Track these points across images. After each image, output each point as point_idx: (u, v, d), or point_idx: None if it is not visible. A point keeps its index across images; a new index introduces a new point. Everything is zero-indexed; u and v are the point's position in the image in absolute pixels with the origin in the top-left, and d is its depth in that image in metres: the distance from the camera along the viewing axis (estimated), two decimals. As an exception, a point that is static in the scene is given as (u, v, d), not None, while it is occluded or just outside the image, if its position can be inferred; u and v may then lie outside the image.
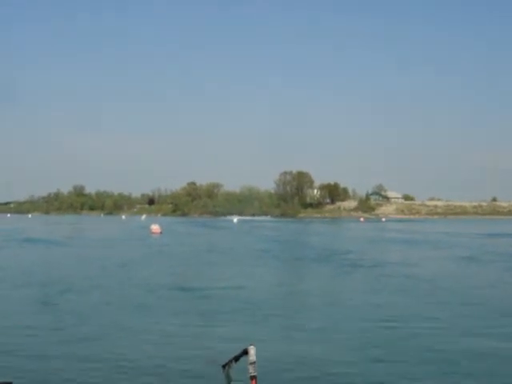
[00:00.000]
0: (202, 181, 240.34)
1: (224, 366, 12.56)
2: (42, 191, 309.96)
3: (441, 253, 47.00)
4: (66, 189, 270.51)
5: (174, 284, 26.49)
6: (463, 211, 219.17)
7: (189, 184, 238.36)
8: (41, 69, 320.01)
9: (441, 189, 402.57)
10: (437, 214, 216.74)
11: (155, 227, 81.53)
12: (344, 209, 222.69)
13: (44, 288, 25.07)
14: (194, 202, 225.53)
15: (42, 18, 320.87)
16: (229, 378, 12.01)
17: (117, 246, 55.35)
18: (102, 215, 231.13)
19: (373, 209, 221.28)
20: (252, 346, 10.25)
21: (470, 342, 15.50)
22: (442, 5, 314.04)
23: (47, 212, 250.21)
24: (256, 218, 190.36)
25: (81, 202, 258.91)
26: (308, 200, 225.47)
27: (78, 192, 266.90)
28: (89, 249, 51.15)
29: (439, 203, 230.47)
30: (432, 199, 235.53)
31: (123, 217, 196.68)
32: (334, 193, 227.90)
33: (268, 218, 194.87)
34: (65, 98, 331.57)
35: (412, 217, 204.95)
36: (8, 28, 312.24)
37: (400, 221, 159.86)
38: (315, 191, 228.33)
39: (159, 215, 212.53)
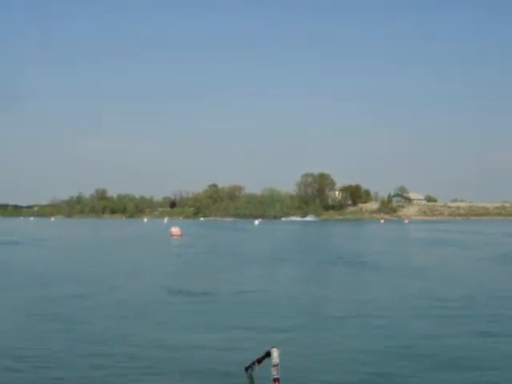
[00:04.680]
0: (224, 183, 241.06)
1: (247, 369, 12.45)
2: (64, 194, 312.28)
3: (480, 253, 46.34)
4: (88, 192, 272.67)
5: (193, 287, 26.35)
6: (486, 212, 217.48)
7: (210, 186, 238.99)
8: (47, 70, 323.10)
9: (463, 190, 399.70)
10: (459, 215, 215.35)
11: (175, 230, 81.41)
12: (366, 211, 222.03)
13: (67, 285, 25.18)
14: (216, 205, 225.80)
15: (43, 18, 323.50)
16: (252, 381, 11.88)
17: (137, 249, 55.48)
18: (123, 218, 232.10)
19: (395, 210, 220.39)
20: (275, 349, 10.14)
21: None
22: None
23: (69, 215, 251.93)
24: (282, 219, 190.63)
25: (103, 206, 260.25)
26: (329, 202, 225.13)
27: (100, 195, 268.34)
28: (107, 253, 51.34)
29: (462, 204, 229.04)
30: (455, 200, 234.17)
31: (145, 220, 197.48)
32: (355, 194, 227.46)
33: (299, 218, 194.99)
34: (86, 101, 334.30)
35: (434, 218, 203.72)
36: (8, 28, 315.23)
37: (423, 222, 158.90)
38: (337, 193, 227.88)
39: (181, 218, 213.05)
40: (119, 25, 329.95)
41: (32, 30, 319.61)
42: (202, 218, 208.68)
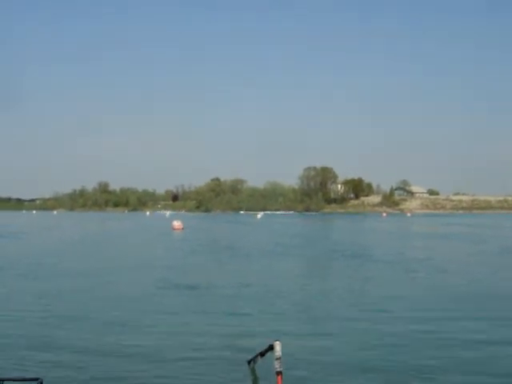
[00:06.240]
0: (226, 177, 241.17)
1: (249, 362, 12.44)
2: (66, 188, 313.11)
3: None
4: (90, 186, 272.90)
5: (194, 281, 26.35)
6: (488, 206, 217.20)
7: (212, 180, 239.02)
8: (51, 69, 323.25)
9: (466, 183, 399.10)
10: (462, 208, 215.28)
11: (177, 223, 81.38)
12: (368, 204, 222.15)
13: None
14: (218, 198, 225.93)
15: (43, 19, 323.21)
16: (254, 374, 11.87)
17: (139, 242, 55.57)
18: (126, 211, 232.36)
19: (397, 204, 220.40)
20: (278, 342, 10.12)
21: None
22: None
23: (72, 209, 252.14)
24: (279, 212, 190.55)
25: (105, 199, 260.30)
26: (332, 195, 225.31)
27: (103, 189, 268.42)
28: (111, 247, 51.40)
29: (464, 198, 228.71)
30: (457, 194, 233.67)
31: (147, 213, 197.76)
32: (357, 188, 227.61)
33: (292, 213, 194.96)
34: (84, 96, 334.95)
35: (437, 212, 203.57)
36: (8, 28, 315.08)
37: (425, 216, 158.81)
38: (339, 186, 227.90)
39: (183, 211, 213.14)
40: (119, 25, 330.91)
41: (32, 29, 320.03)
42: (205, 212, 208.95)
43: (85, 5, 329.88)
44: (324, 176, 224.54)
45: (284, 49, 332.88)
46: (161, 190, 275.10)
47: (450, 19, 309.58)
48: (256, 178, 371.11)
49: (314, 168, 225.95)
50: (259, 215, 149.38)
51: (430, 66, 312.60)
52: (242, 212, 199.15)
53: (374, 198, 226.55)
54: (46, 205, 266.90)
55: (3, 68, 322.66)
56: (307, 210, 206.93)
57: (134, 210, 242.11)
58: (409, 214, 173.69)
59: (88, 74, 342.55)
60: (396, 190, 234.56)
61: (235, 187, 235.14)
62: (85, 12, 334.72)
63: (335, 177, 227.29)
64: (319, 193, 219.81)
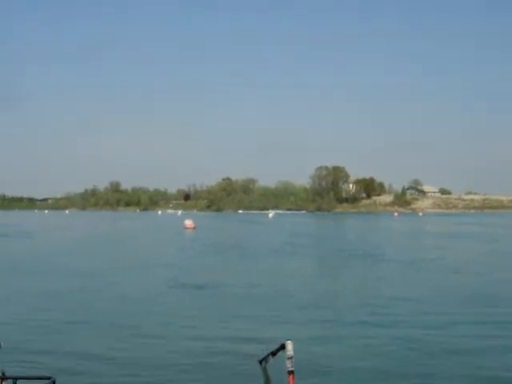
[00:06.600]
0: (237, 176, 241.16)
1: (261, 361, 12.43)
2: (78, 188, 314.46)
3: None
4: (102, 185, 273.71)
5: (206, 281, 26.40)
6: (500, 205, 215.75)
7: (224, 179, 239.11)
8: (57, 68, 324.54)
9: (478, 183, 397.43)
10: (474, 208, 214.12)
11: (189, 222, 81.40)
12: (380, 203, 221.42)
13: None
14: (230, 198, 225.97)
15: (43, 19, 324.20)
16: (266, 373, 11.86)
17: (151, 242, 55.74)
18: (137, 211, 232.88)
19: (409, 203, 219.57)
20: (289, 341, 10.12)
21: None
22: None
23: (84, 208, 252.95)
24: (290, 212, 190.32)
25: (117, 198, 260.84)
26: (343, 195, 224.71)
27: (114, 188, 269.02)
28: (124, 246, 51.63)
29: (476, 197, 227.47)
30: (469, 193, 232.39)
31: (159, 212, 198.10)
32: (369, 187, 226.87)
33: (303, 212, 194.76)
34: (84, 96, 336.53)
35: (449, 211, 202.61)
36: (8, 28, 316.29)
37: (437, 215, 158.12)
38: (350, 186, 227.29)
39: (195, 210, 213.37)
40: (119, 25, 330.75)
41: (32, 29, 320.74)
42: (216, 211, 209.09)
43: (85, 5, 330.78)
44: (335, 175, 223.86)
45: (284, 49, 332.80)
46: (172, 189, 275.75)
47: (450, 19, 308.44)
48: (267, 178, 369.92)
49: (326, 167, 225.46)
50: (271, 214, 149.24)
51: (430, 65, 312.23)
52: (253, 211, 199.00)
53: (386, 198, 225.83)
54: (58, 204, 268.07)
55: (3, 68, 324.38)
56: (319, 209, 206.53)
57: (146, 209, 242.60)
58: (421, 214, 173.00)
59: (88, 74, 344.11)
60: (408, 189, 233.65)
61: (246, 187, 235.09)
62: (85, 12, 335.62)
63: (347, 176, 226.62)
64: (331, 192, 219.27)
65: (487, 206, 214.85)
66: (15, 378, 4.39)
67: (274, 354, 11.15)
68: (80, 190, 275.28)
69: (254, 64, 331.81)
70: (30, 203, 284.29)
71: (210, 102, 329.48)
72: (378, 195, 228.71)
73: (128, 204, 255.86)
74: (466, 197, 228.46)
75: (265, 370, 11.60)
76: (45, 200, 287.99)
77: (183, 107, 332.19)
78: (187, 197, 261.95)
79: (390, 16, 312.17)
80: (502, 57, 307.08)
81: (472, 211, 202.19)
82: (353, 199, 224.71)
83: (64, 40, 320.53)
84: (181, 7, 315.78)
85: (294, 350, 9.89)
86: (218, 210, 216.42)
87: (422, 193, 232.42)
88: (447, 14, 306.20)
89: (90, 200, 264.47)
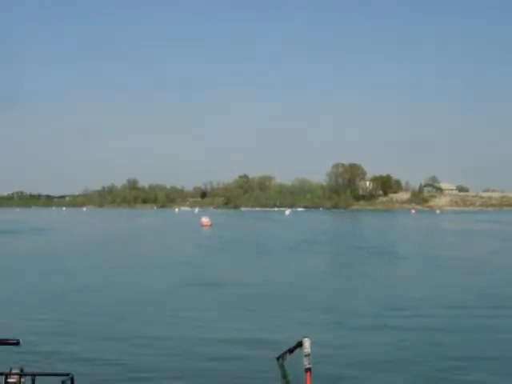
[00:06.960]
0: (254, 174, 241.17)
1: (278, 358, 12.43)
2: (95, 185, 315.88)
3: None
4: (119, 182, 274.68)
5: (224, 278, 26.50)
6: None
7: (240, 177, 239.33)
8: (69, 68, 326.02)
9: (496, 179, 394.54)
10: (491, 205, 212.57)
11: (205, 220, 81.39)
12: (397, 201, 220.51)
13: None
14: (246, 195, 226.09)
15: (43, 19, 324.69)
16: (283, 370, 11.85)
17: (169, 239, 55.95)
18: (155, 208, 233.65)
19: (426, 201, 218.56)
20: (307, 338, 10.05)
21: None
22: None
23: (101, 205, 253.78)
24: (307, 209, 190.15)
25: (134, 196, 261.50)
26: (360, 192, 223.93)
27: (132, 185, 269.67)
28: (143, 243, 51.83)
29: (494, 194, 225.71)
30: (487, 190, 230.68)
31: (176, 210, 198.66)
32: (386, 185, 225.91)
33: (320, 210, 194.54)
34: (84, 96, 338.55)
35: (466, 208, 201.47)
36: (8, 28, 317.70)
37: (455, 213, 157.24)
38: (367, 183, 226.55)
39: (211, 208, 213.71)
40: (119, 25, 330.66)
41: (32, 29, 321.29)
42: (235, 209, 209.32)
43: (85, 5, 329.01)
44: (352, 173, 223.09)
45: (284, 49, 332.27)
46: (189, 187, 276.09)
47: (450, 19, 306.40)
48: (284, 175, 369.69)
49: (343, 165, 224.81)
50: (287, 212, 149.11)
51: (430, 65, 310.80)
52: (269, 209, 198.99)
53: (403, 195, 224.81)
54: (76, 201, 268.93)
55: (3, 68, 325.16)
56: (335, 206, 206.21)
57: (163, 206, 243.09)
58: (438, 211, 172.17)
59: (88, 74, 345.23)
60: (425, 186, 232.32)
61: (263, 184, 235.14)
62: (85, 12, 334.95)
63: (364, 173, 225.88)
64: (347, 189, 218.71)
65: (505, 204, 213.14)
66: (34, 375, 4.40)
67: (291, 351, 11.11)
68: (97, 187, 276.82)
69: (253, 64, 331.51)
70: (47, 200, 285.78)
71: (210, 102, 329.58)
72: (395, 193, 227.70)
73: (145, 201, 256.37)
74: (484, 194, 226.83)
75: (282, 367, 11.60)
76: (62, 197, 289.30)
77: (183, 107, 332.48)
78: (204, 194, 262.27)
79: (390, 16, 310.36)
80: (502, 57, 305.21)
81: (490, 209, 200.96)
82: (369, 196, 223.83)
83: (64, 40, 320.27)
84: (181, 7, 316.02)
85: (312, 347, 9.89)
86: (235, 207, 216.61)
87: (440, 190, 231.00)
88: (447, 14, 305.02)
89: (107, 197, 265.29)
